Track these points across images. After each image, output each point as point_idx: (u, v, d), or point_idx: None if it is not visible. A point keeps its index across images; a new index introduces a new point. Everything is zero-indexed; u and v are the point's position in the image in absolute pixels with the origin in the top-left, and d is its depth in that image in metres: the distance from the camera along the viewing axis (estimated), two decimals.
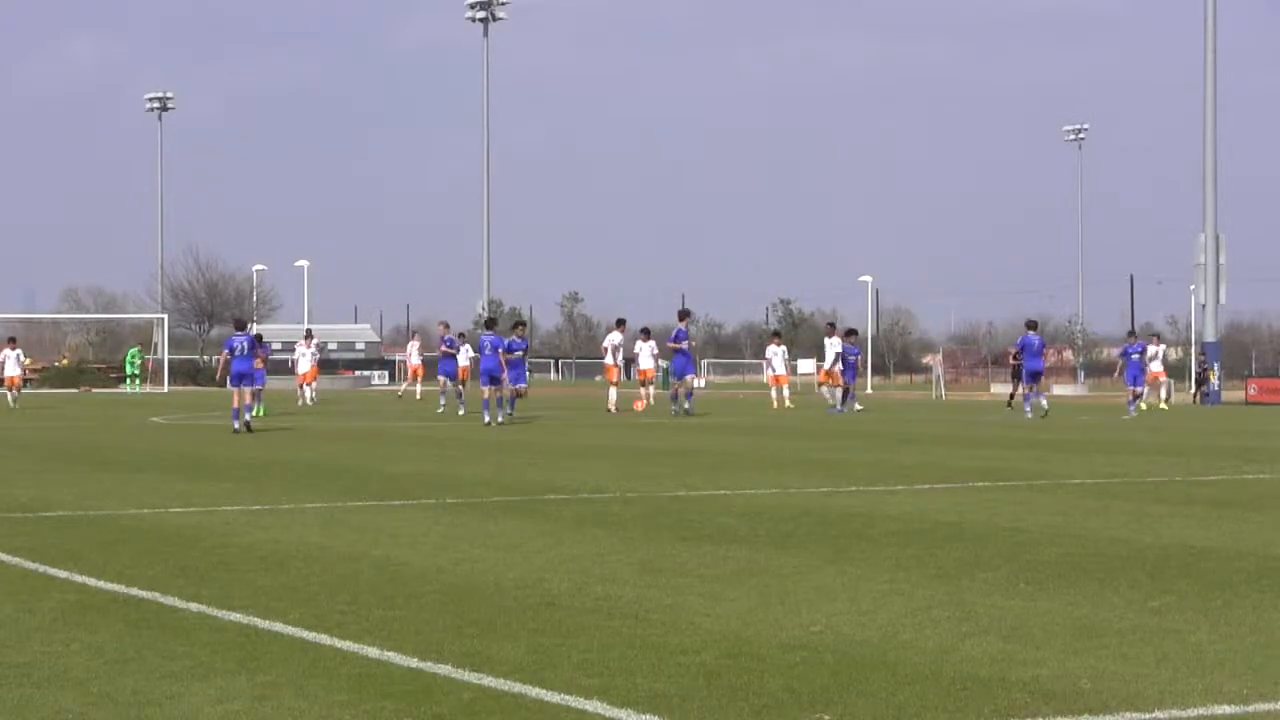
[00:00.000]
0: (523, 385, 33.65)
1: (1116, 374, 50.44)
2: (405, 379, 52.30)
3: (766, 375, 47.46)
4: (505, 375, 32.41)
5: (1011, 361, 44.06)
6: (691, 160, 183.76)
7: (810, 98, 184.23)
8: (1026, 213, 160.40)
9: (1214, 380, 55.86)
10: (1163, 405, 48.22)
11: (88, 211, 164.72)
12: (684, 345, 37.69)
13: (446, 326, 44.91)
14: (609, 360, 41.60)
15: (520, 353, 33.46)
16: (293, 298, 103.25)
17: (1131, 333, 52.53)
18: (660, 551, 11.46)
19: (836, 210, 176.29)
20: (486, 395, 32.34)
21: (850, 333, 45.23)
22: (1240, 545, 11.93)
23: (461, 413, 37.62)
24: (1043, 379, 40.85)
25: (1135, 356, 43.41)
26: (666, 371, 73.39)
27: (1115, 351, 39.68)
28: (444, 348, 43.01)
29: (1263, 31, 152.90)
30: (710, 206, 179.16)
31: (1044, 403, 38.43)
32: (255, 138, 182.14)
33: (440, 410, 39.73)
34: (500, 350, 32.59)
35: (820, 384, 44.44)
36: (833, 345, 43.03)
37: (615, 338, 41.95)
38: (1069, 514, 14.36)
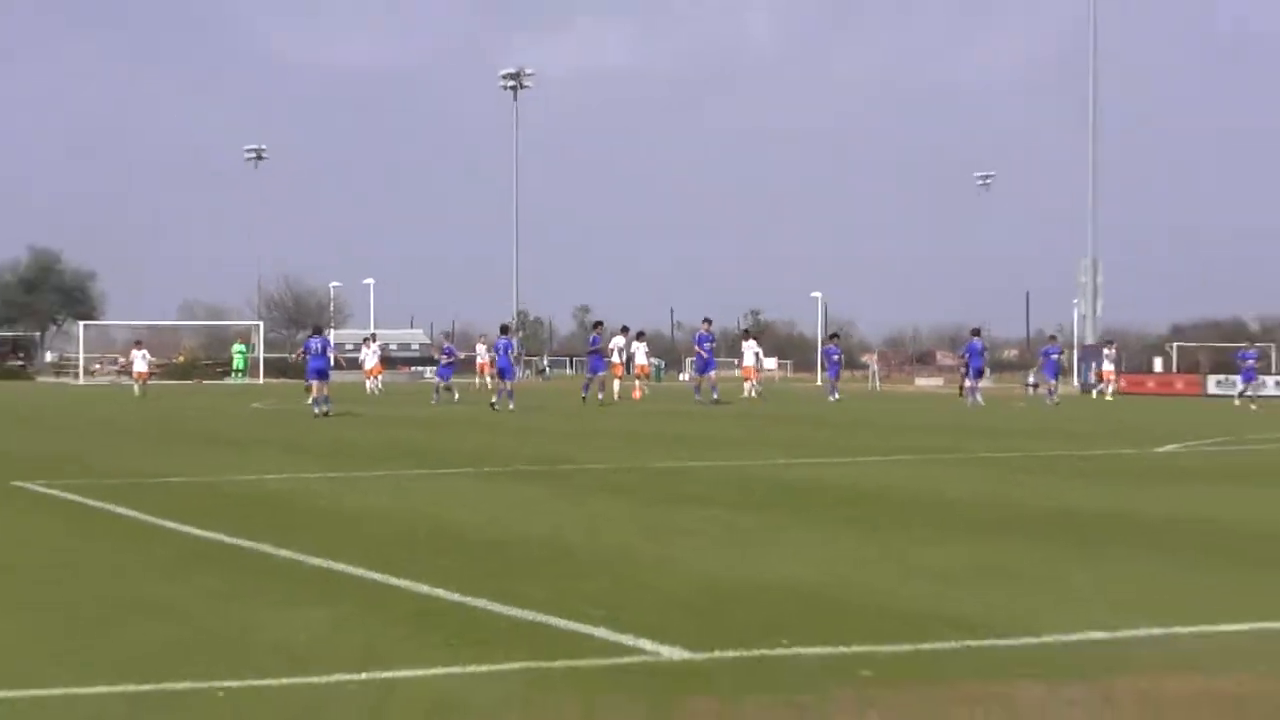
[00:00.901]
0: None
1: (1037, 369, 50.11)
2: (476, 374, 51.76)
3: (738, 368, 47.59)
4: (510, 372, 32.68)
5: (960, 362, 43.84)
6: (680, 198, 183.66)
7: (776, 150, 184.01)
8: (945, 241, 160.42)
9: (1110, 379, 55.11)
10: (1108, 396, 47.60)
11: (201, 241, 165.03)
12: (706, 347, 37.09)
13: (484, 336, 45.22)
14: (614, 359, 41.59)
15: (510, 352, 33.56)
16: (361, 308, 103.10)
17: (1052, 337, 51.82)
18: (653, 511, 11.47)
19: (796, 240, 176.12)
20: (505, 387, 32.26)
21: (833, 336, 45.54)
22: (1112, 507, 11.94)
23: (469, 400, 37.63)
24: (984, 376, 40.60)
25: (1054, 356, 43.12)
26: (658, 369, 72.85)
27: (1012, 352, 39.48)
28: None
29: (1137, 91, 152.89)
30: (696, 235, 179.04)
31: (979, 398, 38.21)
32: (334, 178, 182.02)
33: (456, 399, 39.75)
34: (511, 351, 32.87)
35: (745, 379, 44.20)
36: (749, 347, 43.70)
37: (619, 340, 41.96)
38: (979, 482, 14.36)
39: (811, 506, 11.89)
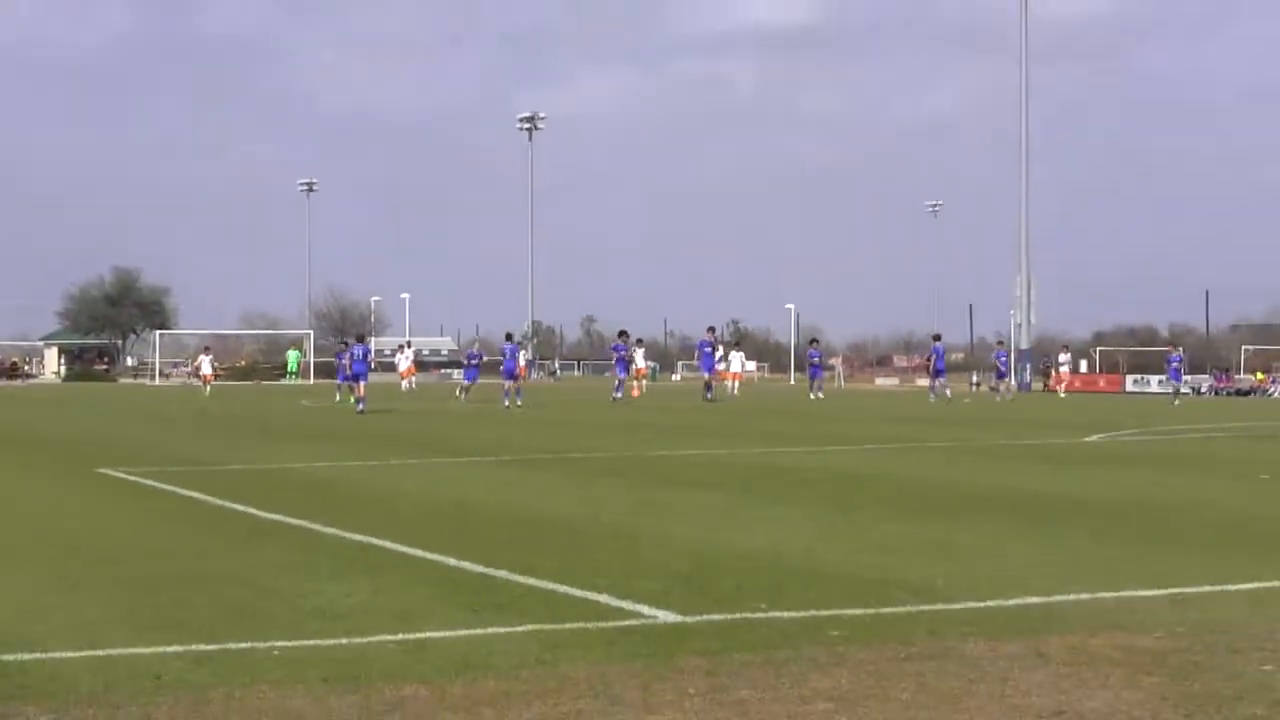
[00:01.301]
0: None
1: (989, 372, 49.82)
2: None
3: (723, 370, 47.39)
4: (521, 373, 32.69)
5: (925, 363, 43.59)
6: (674, 222, 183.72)
7: (759, 181, 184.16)
8: (900, 259, 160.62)
9: (1064, 379, 54.31)
10: (1062, 394, 47.01)
11: (261, 261, 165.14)
12: (706, 351, 36.78)
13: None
14: (640, 363, 41.75)
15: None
16: (398, 319, 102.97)
17: (1000, 342, 51.55)
18: (651, 493, 11.44)
19: (773, 258, 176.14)
20: (507, 388, 32.18)
21: (813, 341, 45.36)
22: (1048, 488, 11.91)
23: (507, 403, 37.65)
24: (945, 376, 40.20)
25: (1003, 360, 43.03)
26: (654, 370, 72.80)
27: (958, 355, 39.31)
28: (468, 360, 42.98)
29: (1064, 119, 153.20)
30: (686, 255, 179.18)
31: (948, 393, 38.12)
32: (375, 206, 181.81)
33: (463, 399, 39.78)
34: (516, 355, 32.87)
35: (732, 381, 44.03)
36: (735, 355, 43.75)
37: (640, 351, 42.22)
38: (930, 467, 14.34)
39: (788, 489, 11.86)
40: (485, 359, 40.52)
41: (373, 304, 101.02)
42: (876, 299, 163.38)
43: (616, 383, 36.64)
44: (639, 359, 41.63)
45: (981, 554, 7.86)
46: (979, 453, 16.85)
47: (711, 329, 40.34)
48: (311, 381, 70.15)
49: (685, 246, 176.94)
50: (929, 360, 41.17)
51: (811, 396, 40.42)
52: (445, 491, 11.55)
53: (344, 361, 36.51)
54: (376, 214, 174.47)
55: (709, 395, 36.04)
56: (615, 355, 37.08)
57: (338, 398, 35.11)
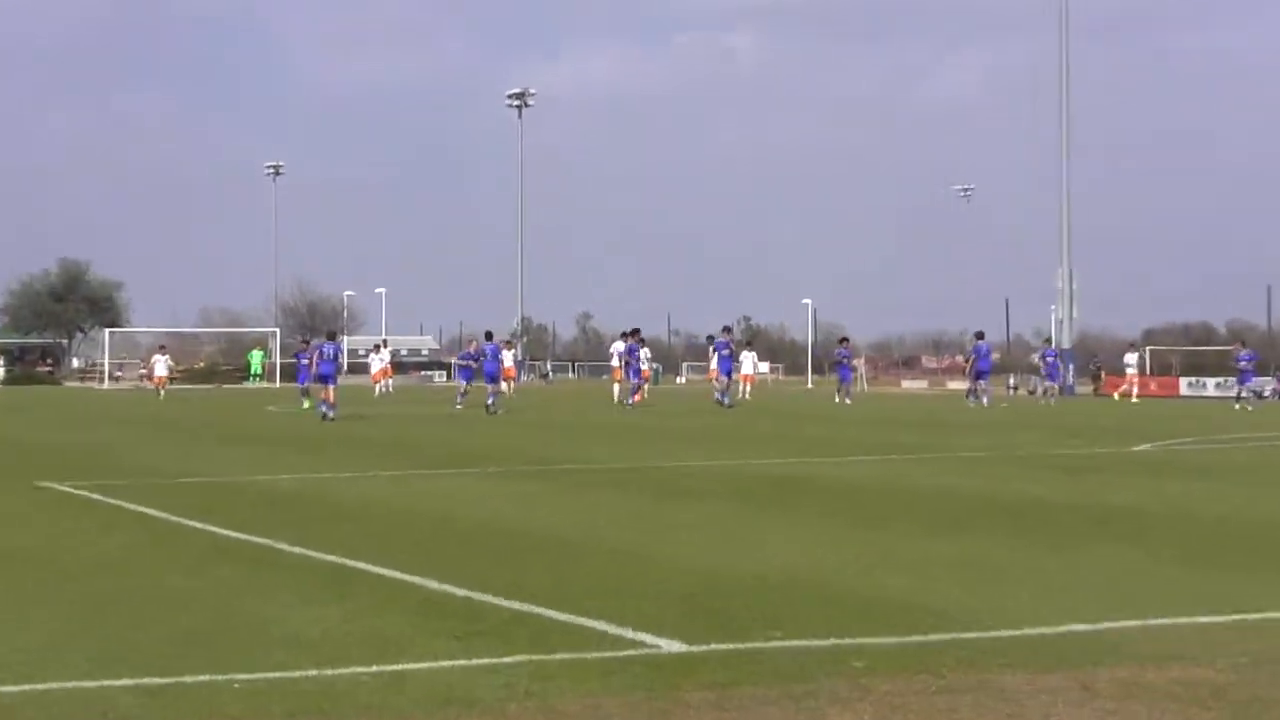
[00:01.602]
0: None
1: (1026, 374, 49.53)
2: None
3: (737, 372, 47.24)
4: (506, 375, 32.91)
5: (964, 364, 43.37)
6: (678, 210, 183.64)
7: (771, 165, 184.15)
8: (927, 250, 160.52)
9: (1134, 381, 53.69)
10: (1134, 399, 46.45)
11: (222, 252, 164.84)
12: (723, 353, 36.51)
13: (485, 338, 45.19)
14: (615, 363, 41.54)
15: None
16: (373, 316, 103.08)
17: (1047, 340, 51.35)
18: (651, 507, 11.42)
19: (787, 249, 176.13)
20: (490, 391, 32.09)
21: (843, 340, 45.30)
22: (1094, 502, 11.89)
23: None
24: (988, 377, 39.93)
25: (1051, 359, 42.72)
26: (657, 372, 72.70)
27: (987, 356, 38.60)
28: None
29: (1106, 100, 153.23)
30: (691, 244, 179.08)
31: (985, 399, 37.76)
32: (348, 192, 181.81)
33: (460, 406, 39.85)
34: (498, 356, 32.97)
35: (709, 379, 43.94)
36: (747, 356, 43.54)
37: (619, 345, 41.91)
38: (963, 477, 14.32)
39: (803, 502, 11.84)
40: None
41: (345, 299, 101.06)
42: (901, 294, 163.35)
43: (633, 386, 36.50)
44: (641, 360, 41.56)
45: (1020, 575, 7.84)
46: (1017, 462, 16.82)
47: (728, 328, 40.15)
48: (277, 384, 70.22)
49: (691, 236, 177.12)
50: (969, 360, 40.97)
51: (838, 401, 40.16)
52: (425, 506, 11.53)
53: (305, 362, 36.49)
54: (349, 201, 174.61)
55: (725, 401, 35.75)
56: (629, 356, 36.93)
57: (305, 404, 35.06)
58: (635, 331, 38.16)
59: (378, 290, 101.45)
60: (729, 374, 36.76)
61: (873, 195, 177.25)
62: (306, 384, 35.62)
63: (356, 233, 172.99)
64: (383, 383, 49.56)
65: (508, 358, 44.66)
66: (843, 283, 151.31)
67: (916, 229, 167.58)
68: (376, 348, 52.02)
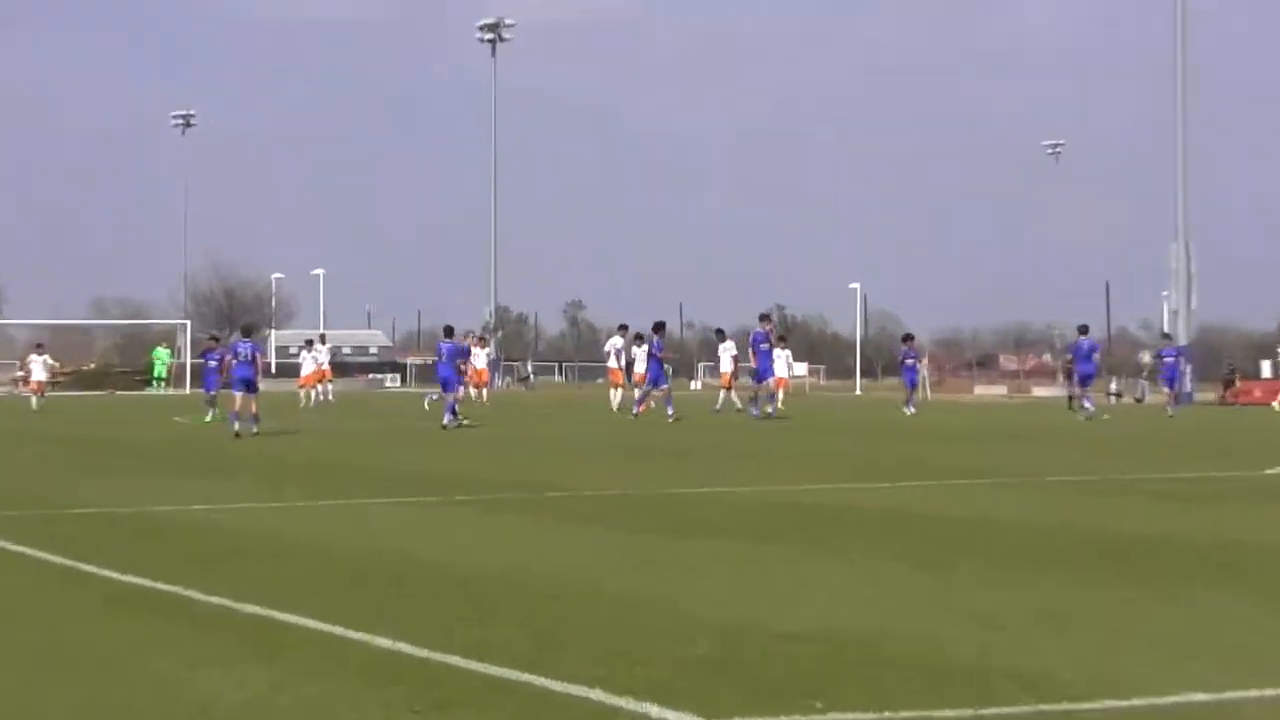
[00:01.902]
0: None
1: (1149, 375, 49.26)
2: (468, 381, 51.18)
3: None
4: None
5: (1060, 365, 43.10)
6: (689, 173, 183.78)
7: (802, 114, 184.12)
8: (1007, 222, 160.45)
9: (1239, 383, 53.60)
10: (1277, 408, 46.53)
11: (116, 225, 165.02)
12: (763, 349, 36.19)
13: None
14: (612, 364, 41.58)
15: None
16: (309, 304, 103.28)
17: (1166, 335, 51.40)
18: (657, 545, 11.43)
19: (826, 220, 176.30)
20: (450, 399, 31.85)
21: (907, 338, 44.85)
22: (1213, 539, 11.90)
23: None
24: (1092, 382, 39.66)
25: (1170, 359, 42.34)
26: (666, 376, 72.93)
27: (1091, 356, 37.95)
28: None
29: (1231, 50, 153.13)
30: (706, 217, 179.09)
31: (1088, 404, 37.41)
32: (274, 151, 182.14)
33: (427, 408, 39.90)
34: (456, 357, 32.70)
35: (722, 387, 43.42)
36: (726, 350, 42.85)
37: (617, 342, 41.95)
38: (1048, 509, 14.33)
39: (847, 539, 11.86)
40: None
41: (273, 284, 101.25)
42: (973, 277, 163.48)
43: (644, 392, 36.41)
44: (640, 359, 41.42)
45: (1123, 631, 7.86)
46: (1120, 488, 16.83)
47: (767, 316, 40.02)
48: (186, 390, 70.35)
49: (706, 207, 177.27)
50: (1067, 361, 40.78)
51: (907, 411, 39.86)
52: (373, 544, 11.56)
53: (214, 364, 36.53)
54: (280, 161, 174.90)
55: (767, 410, 35.49)
56: (651, 355, 36.91)
57: (210, 415, 35.07)
58: (661, 325, 38.07)
59: (315, 272, 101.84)
60: (768, 376, 36.29)
61: (935, 153, 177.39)
62: (215, 392, 35.55)
63: (288, 201, 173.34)
64: (319, 388, 49.63)
65: (480, 357, 44.87)
66: (899, 262, 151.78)
67: (992, 195, 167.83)
68: (309, 343, 51.93)
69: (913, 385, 42.04)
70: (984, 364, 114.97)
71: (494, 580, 9.62)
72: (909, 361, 42.65)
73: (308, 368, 49.99)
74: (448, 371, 32.36)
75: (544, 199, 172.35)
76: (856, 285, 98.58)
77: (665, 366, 37.62)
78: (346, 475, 18.62)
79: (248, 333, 31.46)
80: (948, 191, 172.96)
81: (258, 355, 29.35)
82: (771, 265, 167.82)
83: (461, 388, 41.74)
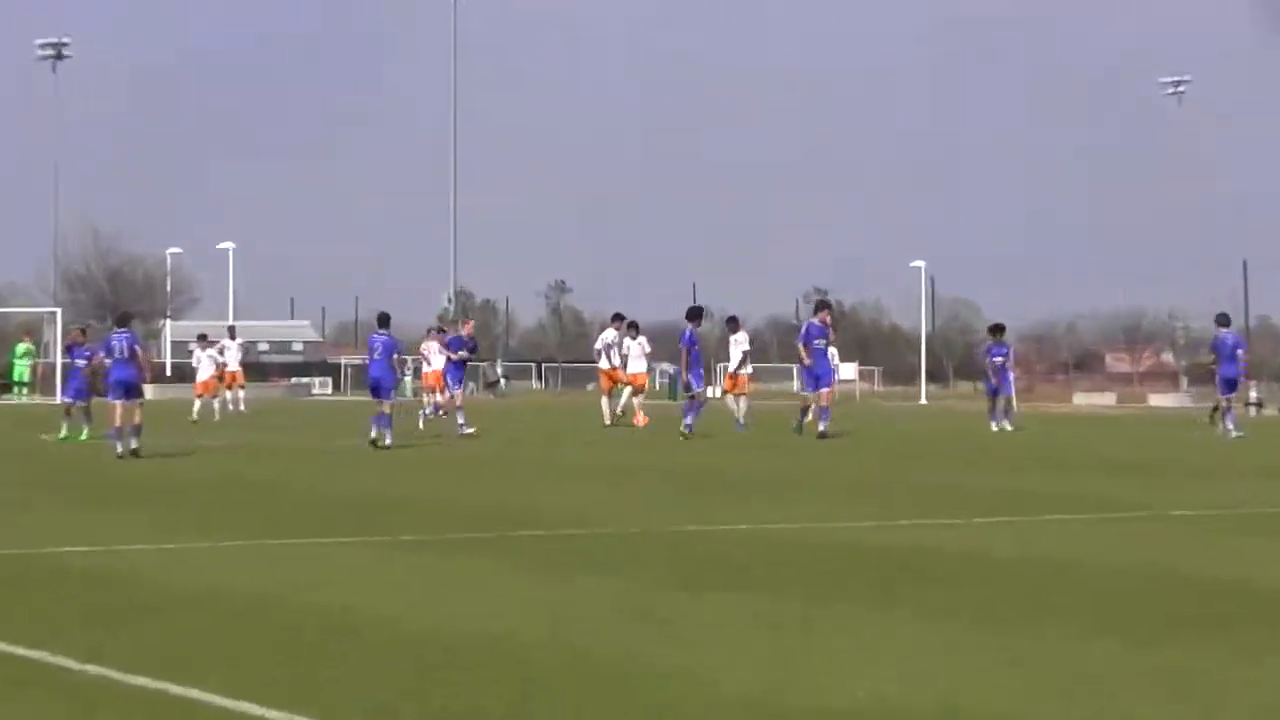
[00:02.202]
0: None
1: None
2: (422, 386, 50.91)
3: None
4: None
5: (1212, 366, 41.84)
6: (699, 121, 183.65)
7: (846, 55, 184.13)
8: (1112, 185, 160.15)
9: None
10: None
11: None
12: (819, 345, 35.79)
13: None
14: (604, 363, 41.57)
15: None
16: (215, 287, 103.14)
17: None
18: (664, 597, 11.43)
19: (880, 183, 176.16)
20: (387, 410, 31.48)
21: (996, 329, 42.55)
22: None
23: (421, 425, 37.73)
24: (1238, 388, 39.07)
25: None
26: (673, 380, 72.90)
27: (1235, 354, 37.36)
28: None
29: None
30: (722, 176, 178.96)
31: (1230, 426, 36.62)
32: (171, 95, 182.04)
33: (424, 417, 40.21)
34: (391, 354, 32.30)
35: (725, 392, 42.77)
36: (738, 343, 42.03)
37: (609, 336, 41.95)
38: (1170, 552, 14.34)
39: (909, 590, 11.88)
40: (476, 349, 40.76)
41: (168, 261, 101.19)
42: (1071, 253, 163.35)
43: (689, 401, 36.23)
44: (634, 359, 41.22)
45: (1267, 705, 7.86)
46: (1264, 526, 16.84)
47: (826, 305, 39.17)
48: (57, 398, 70.37)
49: (723, 163, 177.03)
50: (1211, 361, 39.94)
51: (995, 427, 39.19)
52: (301, 594, 11.55)
53: (82, 364, 36.31)
54: (177, 104, 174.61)
55: (820, 427, 35.01)
56: (687, 349, 36.76)
57: (64, 430, 34.93)
58: (697, 313, 37.69)
59: (222, 246, 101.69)
60: (827, 382, 35.65)
61: (1017, 93, 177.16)
62: (85, 400, 35.21)
63: (189, 158, 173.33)
64: (227, 395, 49.72)
65: (435, 355, 44.88)
66: (974, 236, 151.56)
67: (1090, 149, 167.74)
68: (204, 339, 51.99)
69: (999, 393, 40.67)
70: (1085, 365, 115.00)
71: (450, 644, 9.61)
72: (998, 361, 41.02)
73: (205, 370, 49.85)
74: (381, 371, 31.99)
75: (517, 152, 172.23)
76: (920, 264, 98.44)
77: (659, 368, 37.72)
78: (262, 507, 18.59)
79: (124, 322, 31.04)
80: (1036, 144, 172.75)
81: (137, 350, 29.02)
82: (809, 236, 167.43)
83: (432, 394, 41.90)
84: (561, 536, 15.61)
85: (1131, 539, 15.55)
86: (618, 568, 13.18)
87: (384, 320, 33.59)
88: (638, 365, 41.17)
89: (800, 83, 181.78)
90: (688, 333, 37.23)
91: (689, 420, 34.98)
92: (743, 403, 40.52)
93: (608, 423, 39.64)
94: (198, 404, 48.43)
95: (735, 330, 42.81)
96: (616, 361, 41.25)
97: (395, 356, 33.10)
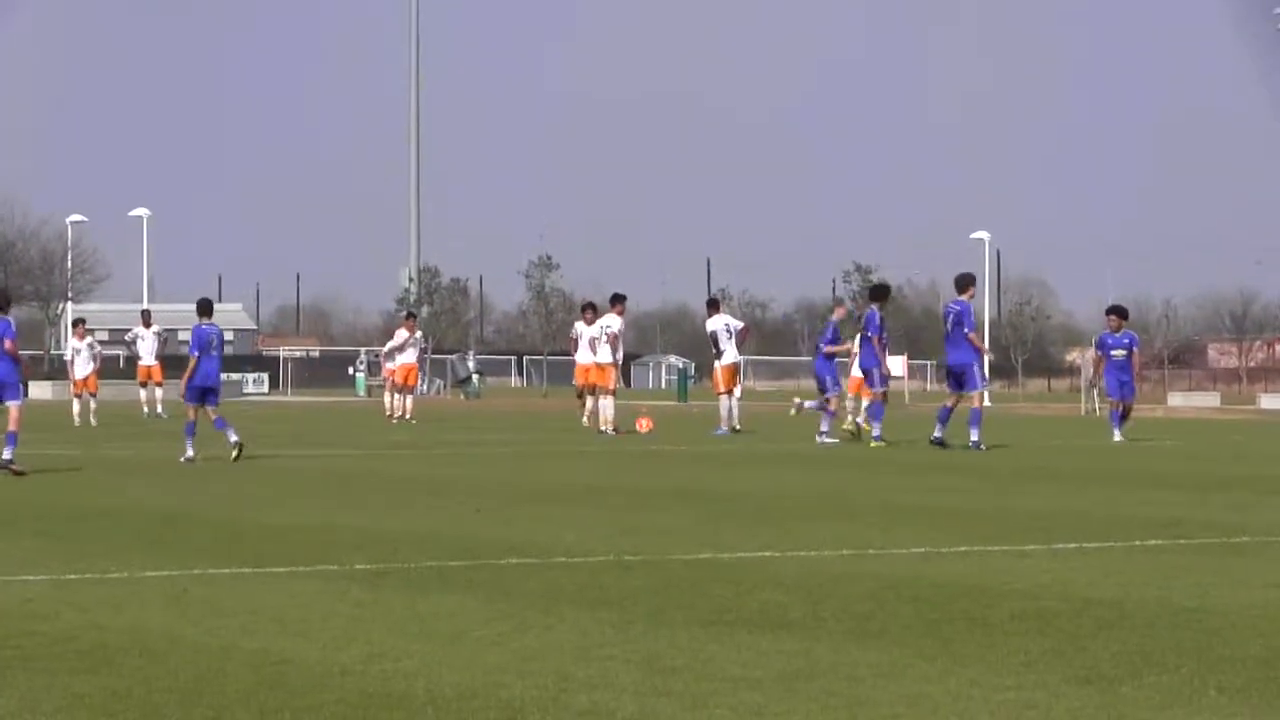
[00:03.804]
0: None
1: None
2: (385, 384, 50.97)
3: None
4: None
5: None
6: (709, 68, 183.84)
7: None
8: (1212, 142, 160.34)
9: None
10: None
11: None
12: (879, 336, 36.31)
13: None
14: (582, 357, 41.81)
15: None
16: (128, 263, 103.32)
17: None
18: (675, 643, 11.46)
19: (931, 137, 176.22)
20: (192, 416, 31.16)
21: (1115, 312, 40.65)
22: None
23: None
24: None
25: None
26: (682, 375, 72.91)
27: None
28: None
29: None
30: (739, 135, 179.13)
31: None
32: (78, 32, 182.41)
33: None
34: (211, 345, 31.35)
35: (719, 391, 42.22)
36: (730, 328, 42.08)
37: (581, 327, 42.29)
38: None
39: (970, 632, 11.92)
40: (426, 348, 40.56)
41: (70, 230, 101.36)
42: (1163, 227, 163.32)
43: (874, 404, 36.26)
44: (601, 344, 41.06)
45: None
46: None
47: (884, 291, 38.53)
48: None
49: (736, 120, 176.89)
50: None
51: (1117, 438, 38.47)
52: (234, 639, 11.58)
53: None
54: (86, 50, 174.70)
55: (875, 434, 35.09)
56: (877, 336, 36.66)
57: None
58: (887, 291, 38.12)
59: (135, 213, 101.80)
60: (879, 381, 35.63)
61: (1098, 41, 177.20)
62: None
63: (97, 109, 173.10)
64: (145, 391, 49.88)
65: (406, 348, 45.18)
66: (1046, 201, 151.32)
67: (1184, 98, 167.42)
68: (79, 324, 52.02)
69: (1126, 394, 39.18)
70: (1182, 359, 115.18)
71: (418, 696, 9.63)
72: (1116, 354, 39.54)
73: (82, 365, 49.85)
74: (211, 368, 31.00)
75: (490, 103, 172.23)
76: (984, 235, 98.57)
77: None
78: (187, 530, 18.62)
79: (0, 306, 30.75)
80: (1108, 96, 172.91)
81: (9, 341, 28.63)
82: (845, 205, 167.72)
83: (402, 395, 42.00)
84: (549, 566, 15.63)
85: (1235, 571, 15.53)
86: (619, 604, 13.17)
87: (205, 308, 32.27)
88: (604, 355, 40.81)
89: (832, 20, 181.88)
90: (876, 315, 37.03)
91: (877, 431, 35.37)
92: (856, 407, 40.82)
93: (607, 431, 39.90)
94: (76, 404, 48.47)
95: (717, 312, 42.93)
96: (620, 355, 41.43)
97: (212, 347, 31.53)
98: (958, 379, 35.45)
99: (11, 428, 27.64)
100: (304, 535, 18.27)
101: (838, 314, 41.08)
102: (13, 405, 28.00)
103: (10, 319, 29.45)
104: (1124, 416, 39.69)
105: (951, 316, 35.47)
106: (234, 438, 30.69)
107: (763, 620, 12.44)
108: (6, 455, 27.36)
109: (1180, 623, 12.38)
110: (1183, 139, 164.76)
